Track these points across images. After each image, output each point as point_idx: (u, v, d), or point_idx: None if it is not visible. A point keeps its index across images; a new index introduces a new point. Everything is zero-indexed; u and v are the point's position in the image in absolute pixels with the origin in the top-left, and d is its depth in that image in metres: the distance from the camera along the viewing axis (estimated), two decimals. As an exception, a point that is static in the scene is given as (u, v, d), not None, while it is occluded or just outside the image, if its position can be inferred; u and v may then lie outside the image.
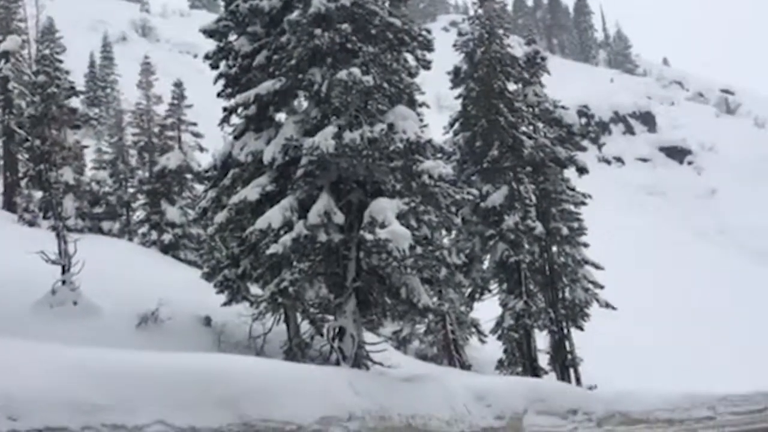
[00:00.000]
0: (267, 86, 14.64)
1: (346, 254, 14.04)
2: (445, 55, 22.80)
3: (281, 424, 9.22)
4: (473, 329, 25.29)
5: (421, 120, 15.01)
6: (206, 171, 16.92)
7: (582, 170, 24.64)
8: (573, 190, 24.94)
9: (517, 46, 26.92)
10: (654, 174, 67.49)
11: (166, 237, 26.17)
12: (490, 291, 23.89)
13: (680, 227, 54.96)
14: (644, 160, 70.33)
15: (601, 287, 24.10)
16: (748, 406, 22.76)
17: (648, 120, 75.87)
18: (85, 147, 26.21)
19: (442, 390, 13.36)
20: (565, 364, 23.54)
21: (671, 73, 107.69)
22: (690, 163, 69.71)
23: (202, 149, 27.34)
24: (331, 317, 14.87)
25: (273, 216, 13.51)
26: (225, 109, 15.87)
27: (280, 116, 15.84)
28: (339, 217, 13.42)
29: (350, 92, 13.14)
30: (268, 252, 13.30)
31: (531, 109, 24.82)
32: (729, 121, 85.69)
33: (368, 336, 15.77)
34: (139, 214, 28.30)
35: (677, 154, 70.79)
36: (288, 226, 13.41)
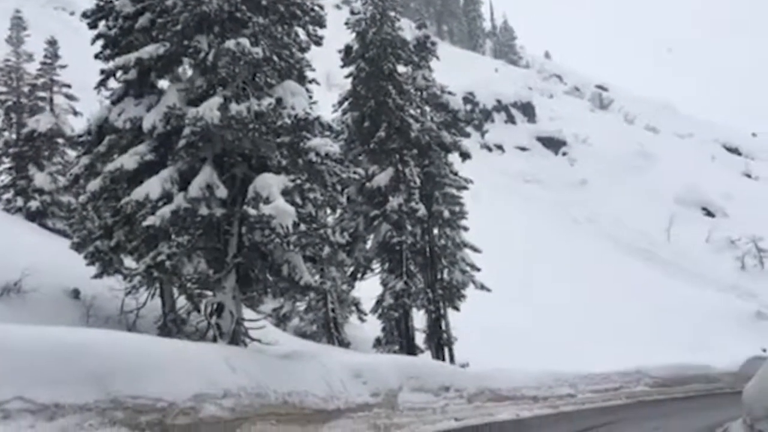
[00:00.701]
0: (149, 50, 13.97)
1: (227, 229, 13.73)
2: (337, 32, 22.67)
3: (152, 401, 8.94)
4: (354, 308, 25.53)
5: (311, 96, 14.82)
6: (80, 136, 15.91)
7: (465, 155, 25.32)
8: (456, 174, 25.60)
9: (407, 30, 27.15)
10: (531, 163, 70.36)
11: (33, 204, 24.51)
12: (372, 270, 24.17)
13: (553, 214, 57.72)
14: (523, 148, 73.12)
15: (478, 270, 24.97)
16: (606, 385, 24.49)
17: (528, 110, 78.85)
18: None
19: (319, 367, 13.42)
20: (440, 343, 24.27)
21: (552, 66, 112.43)
22: (565, 153, 73.12)
23: (75, 113, 25.71)
24: (209, 293, 14.51)
25: (151, 186, 12.98)
26: (103, 72, 14.96)
27: (163, 83, 15.15)
28: (222, 191, 13.09)
29: (238, 63, 12.79)
30: (145, 224, 12.77)
31: (419, 93, 25.19)
32: (602, 116, 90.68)
33: (247, 313, 15.53)
34: (4, 179, 26.37)
35: (553, 144, 74.01)
36: (167, 197, 12.93)
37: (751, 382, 12.22)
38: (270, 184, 12.67)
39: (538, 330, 29.87)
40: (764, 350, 28.94)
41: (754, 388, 11.32)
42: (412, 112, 24.45)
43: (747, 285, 47.94)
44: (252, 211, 12.44)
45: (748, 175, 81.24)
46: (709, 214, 63.58)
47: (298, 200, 13.02)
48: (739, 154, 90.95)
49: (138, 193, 12.97)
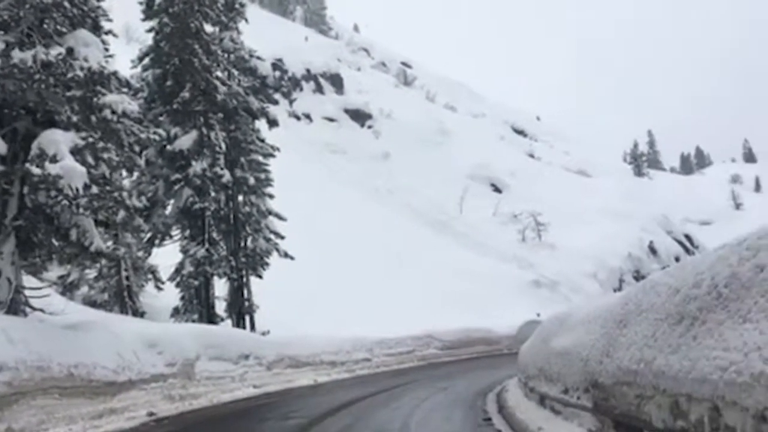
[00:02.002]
0: None
1: (6, 188, 12.45)
2: (139, -17, 21.23)
3: None
4: (150, 276, 24.41)
5: (107, 49, 13.80)
6: None
7: (273, 123, 25.08)
8: (263, 141, 25.29)
9: (216, -12, 26.10)
10: (338, 134, 71.39)
11: None
12: (171, 237, 23.29)
13: (358, 184, 59.20)
14: (331, 119, 73.92)
15: (282, 237, 25.01)
16: (399, 348, 25.83)
17: (336, 82, 79.70)
18: None
19: (110, 338, 12.76)
20: (241, 311, 24.07)
21: (360, 39, 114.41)
22: (370, 126, 75.03)
23: None
24: (-17, 258, 13.11)
25: None
26: None
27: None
28: (1, 146, 11.85)
29: (23, 6, 11.58)
30: None
31: (227, 55, 24.44)
32: (405, 92, 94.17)
33: (29, 280, 14.29)
34: None
35: (360, 117, 75.58)
36: (-68, 151, 11.47)
37: (526, 344, 13.55)
38: (58, 141, 11.68)
39: (342, 296, 30.62)
40: (538, 315, 31.98)
41: (527, 350, 12.56)
42: (219, 74, 23.70)
43: (526, 256, 52.71)
44: (36, 170, 11.41)
45: (532, 155, 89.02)
46: (497, 189, 68.89)
47: (90, 160, 12.16)
48: (525, 135, 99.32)
49: None
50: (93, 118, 12.43)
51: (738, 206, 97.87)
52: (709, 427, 4.04)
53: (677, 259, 52.81)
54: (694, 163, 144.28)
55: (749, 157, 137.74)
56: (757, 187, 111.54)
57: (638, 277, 47.53)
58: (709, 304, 4.29)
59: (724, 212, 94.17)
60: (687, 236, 68.89)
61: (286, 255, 24.97)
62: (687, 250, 62.13)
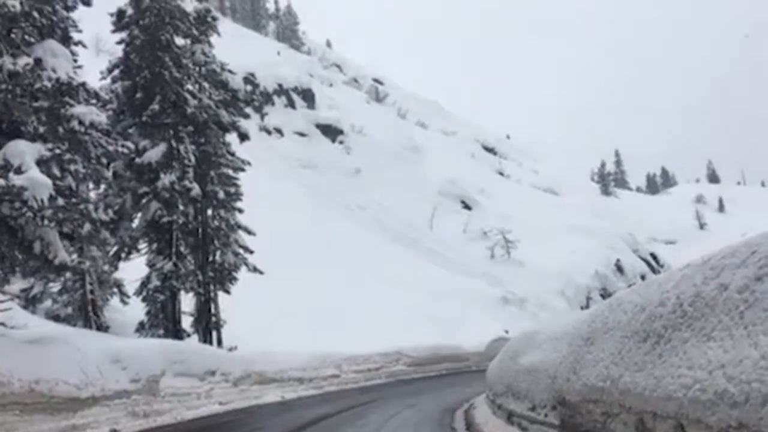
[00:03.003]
0: None
1: (-32, 200, 12.20)
2: (110, -6, 21.07)
3: None
4: (116, 290, 24.02)
5: (76, 60, 13.67)
6: None
7: (244, 136, 24.96)
8: (233, 155, 25.13)
9: (188, 1, 26.00)
10: (310, 149, 71.24)
11: None
12: (138, 250, 22.95)
13: (329, 200, 59.07)
14: (302, 134, 73.77)
15: (251, 252, 24.81)
16: (368, 365, 25.73)
17: (308, 97, 79.65)
18: None
19: (73, 353, 12.51)
20: (208, 326, 23.77)
21: (332, 55, 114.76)
22: (341, 142, 75.07)
23: None
24: (-58, 271, 12.81)
25: None
26: None
27: None
28: (-37, 157, 11.61)
29: (-10, 14, 11.40)
30: None
31: (198, 68, 24.31)
32: (377, 108, 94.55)
33: (-10, 293, 13.95)
34: None
35: (331, 132, 75.56)
36: None
37: (494, 361, 13.59)
38: (23, 152, 11.48)
39: (311, 312, 30.42)
40: (506, 332, 32.17)
41: (495, 367, 12.59)
42: (189, 87, 23.54)
43: (495, 272, 53.02)
44: (0, 181, 11.18)
45: (501, 173, 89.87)
46: (467, 206, 69.31)
47: (56, 172, 11.98)
48: (495, 153, 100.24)
49: None
50: (60, 130, 12.27)
51: (702, 226, 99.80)
52: (673, 445, 4.08)
53: (643, 277, 53.58)
54: (659, 183, 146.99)
55: (713, 177, 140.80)
56: (721, 207, 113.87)
57: (605, 294, 48.07)
58: (674, 323, 4.36)
59: (689, 231, 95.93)
60: (652, 255, 70.01)
61: (255, 269, 24.77)
62: (652, 269, 63.09)
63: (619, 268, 60.27)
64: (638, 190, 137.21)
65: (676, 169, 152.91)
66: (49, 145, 12.02)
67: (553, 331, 8.55)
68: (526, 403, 8.80)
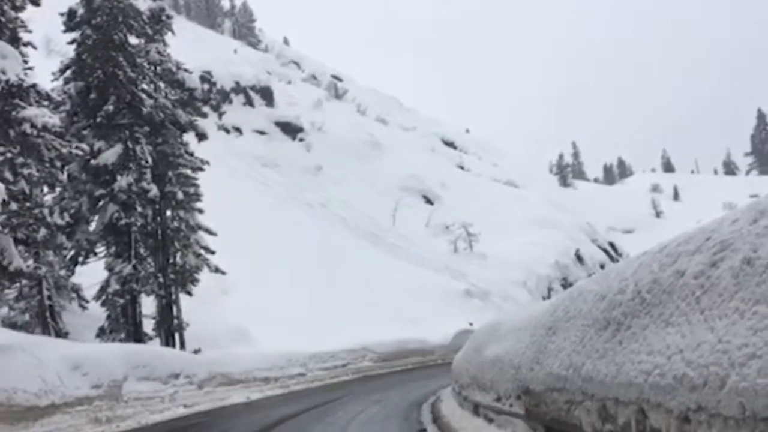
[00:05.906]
0: None
1: None
2: (59, -7, 20.57)
3: None
4: (74, 295, 23.54)
5: (26, 61, 13.35)
6: None
7: (202, 136, 24.66)
8: (191, 155, 24.82)
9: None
10: (269, 147, 70.66)
11: None
12: (96, 254, 22.54)
13: (291, 198, 58.71)
14: (261, 132, 73.13)
15: (213, 252, 24.55)
16: (334, 362, 25.69)
17: (267, 94, 78.96)
18: None
19: (31, 360, 12.24)
20: (171, 329, 23.46)
21: (290, 52, 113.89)
22: (301, 140, 74.61)
23: None
24: None
25: None
26: None
27: None
28: None
29: (-67, 14, 11.06)
30: None
31: (153, 68, 23.94)
32: (336, 105, 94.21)
33: (-58, 303, 13.58)
34: None
35: (291, 130, 75.03)
36: None
37: (459, 353, 13.69)
38: (-27, 156, 11.17)
39: (276, 311, 30.24)
40: (471, 324, 32.38)
41: (461, 359, 12.70)
42: (144, 87, 23.18)
43: (458, 266, 53.36)
44: (-51, 187, 10.87)
45: (462, 167, 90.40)
46: (429, 201, 69.59)
47: (8, 176, 11.69)
48: (455, 147, 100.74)
49: None
50: (11, 133, 11.97)
51: (658, 214, 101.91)
52: (635, 430, 4.16)
53: (602, 266, 54.53)
54: (616, 173, 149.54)
55: (668, 167, 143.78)
56: (676, 196, 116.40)
57: (566, 284, 48.80)
58: (633, 310, 4.44)
59: (646, 220, 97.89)
60: (611, 244, 71.28)
61: (217, 270, 24.53)
62: (611, 258, 64.23)
63: (579, 258, 61.22)
64: (596, 180, 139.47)
65: (633, 159, 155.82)
66: (1, 149, 11.73)
67: (516, 322, 8.65)
68: (492, 394, 8.88)
